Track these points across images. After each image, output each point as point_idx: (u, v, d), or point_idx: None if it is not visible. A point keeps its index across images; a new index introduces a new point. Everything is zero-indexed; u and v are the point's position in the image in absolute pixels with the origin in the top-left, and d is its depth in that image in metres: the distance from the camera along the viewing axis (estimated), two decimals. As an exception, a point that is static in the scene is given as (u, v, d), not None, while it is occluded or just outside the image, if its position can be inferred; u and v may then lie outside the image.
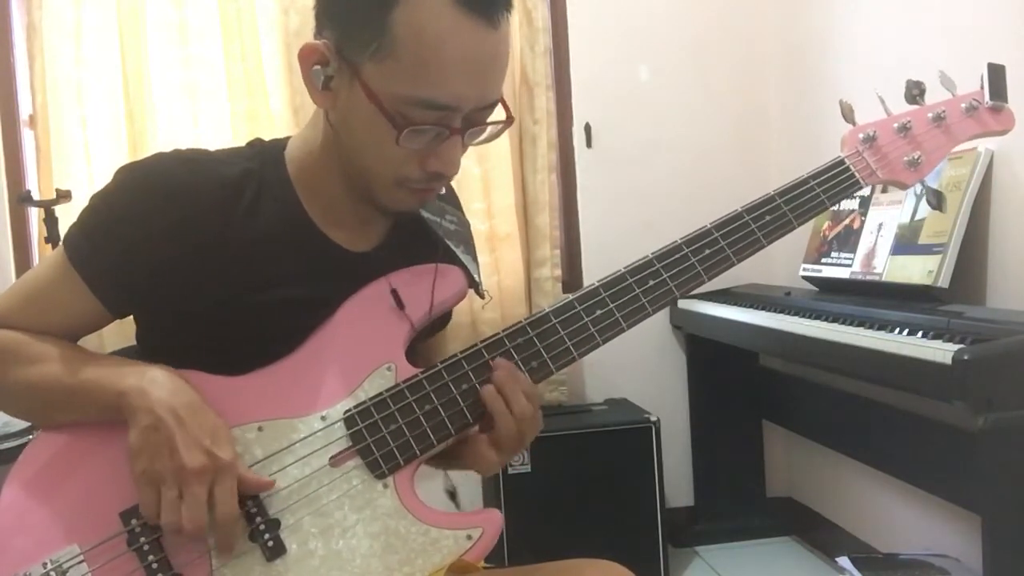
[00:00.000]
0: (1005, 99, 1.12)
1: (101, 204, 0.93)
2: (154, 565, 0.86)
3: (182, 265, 0.91)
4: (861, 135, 1.09)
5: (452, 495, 1.04)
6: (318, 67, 0.89)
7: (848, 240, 2.19)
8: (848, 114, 1.11)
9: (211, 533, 0.86)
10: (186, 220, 0.91)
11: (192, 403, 0.87)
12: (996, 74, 1.11)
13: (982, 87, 1.12)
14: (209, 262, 0.92)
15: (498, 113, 0.92)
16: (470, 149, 0.94)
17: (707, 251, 1.01)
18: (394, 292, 0.97)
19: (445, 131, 0.87)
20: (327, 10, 0.89)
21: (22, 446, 0.94)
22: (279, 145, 1.00)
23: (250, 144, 1.01)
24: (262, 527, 0.88)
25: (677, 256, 1.00)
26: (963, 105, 1.11)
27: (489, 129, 0.92)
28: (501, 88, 0.90)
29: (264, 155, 0.98)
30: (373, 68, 0.85)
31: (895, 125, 1.10)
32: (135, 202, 0.91)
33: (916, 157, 1.09)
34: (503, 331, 0.96)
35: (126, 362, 0.93)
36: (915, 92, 1.11)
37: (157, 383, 0.88)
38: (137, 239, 0.91)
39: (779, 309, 2.12)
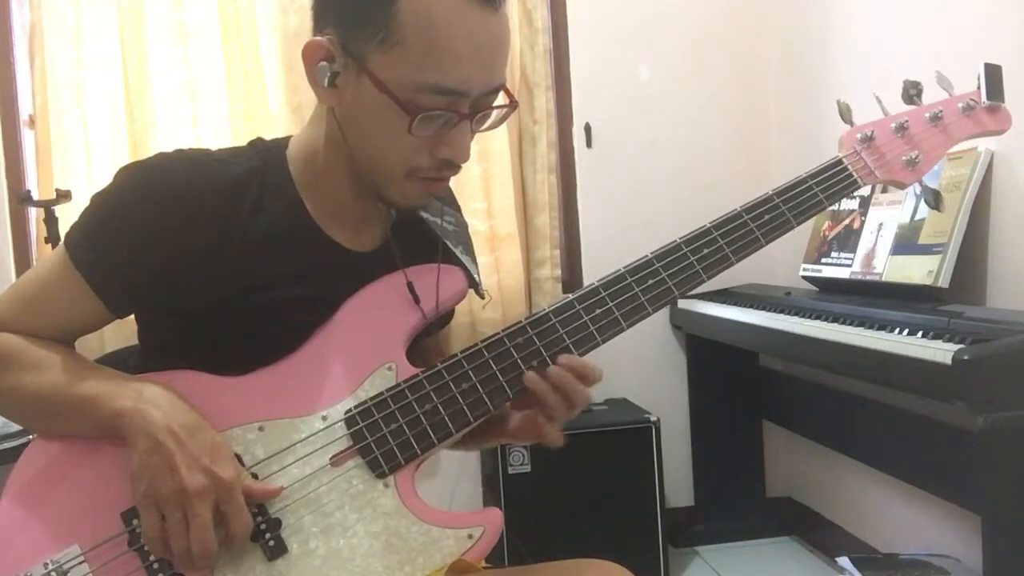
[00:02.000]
0: (1002, 99, 1.12)
1: (103, 204, 0.93)
2: (155, 565, 0.86)
3: (184, 265, 0.91)
4: (859, 135, 1.09)
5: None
6: (323, 63, 0.89)
7: (848, 240, 2.20)
8: (846, 114, 1.11)
9: (224, 550, 0.86)
10: (189, 220, 0.91)
11: (190, 423, 0.87)
12: (993, 74, 1.11)
13: (979, 87, 1.12)
14: (211, 262, 0.92)
15: (501, 100, 0.92)
16: (471, 149, 0.95)
17: (706, 250, 1.01)
18: (410, 285, 0.98)
19: (455, 117, 0.88)
20: (329, 6, 0.90)
21: (22, 446, 0.94)
22: (281, 144, 1.00)
23: (252, 144, 1.01)
24: (263, 526, 0.89)
25: (676, 256, 1.00)
26: (960, 105, 1.12)
27: (495, 114, 0.93)
28: (505, 72, 0.91)
29: (266, 155, 0.98)
30: (381, 58, 0.85)
31: (892, 125, 1.10)
32: (137, 202, 0.91)
33: (914, 157, 1.09)
34: (503, 331, 0.97)
35: (123, 378, 0.92)
36: (912, 92, 1.11)
37: (154, 403, 0.87)
38: (139, 239, 0.91)
39: (779, 309, 2.12)
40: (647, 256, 1.00)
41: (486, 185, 2.64)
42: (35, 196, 2.34)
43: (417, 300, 0.98)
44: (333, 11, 0.89)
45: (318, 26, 0.91)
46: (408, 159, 0.90)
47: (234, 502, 0.85)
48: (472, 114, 0.89)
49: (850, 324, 1.79)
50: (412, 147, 0.89)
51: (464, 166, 0.93)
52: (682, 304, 2.63)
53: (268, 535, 0.88)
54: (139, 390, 0.89)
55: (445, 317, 1.09)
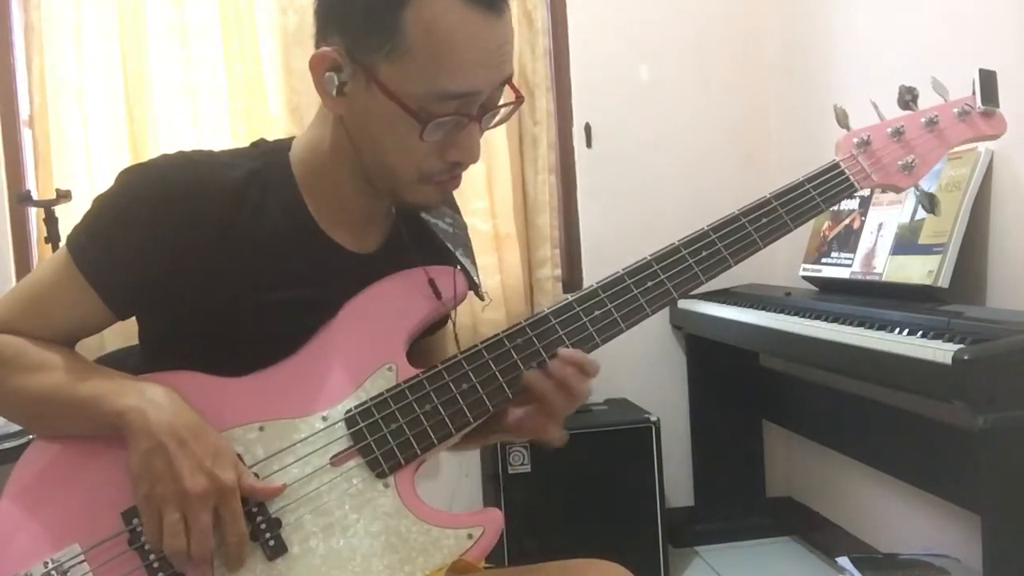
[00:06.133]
0: (996, 104, 1.12)
1: (105, 207, 0.93)
2: (155, 564, 0.87)
3: (186, 267, 0.92)
4: (855, 139, 1.10)
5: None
6: (331, 73, 0.89)
7: (848, 240, 2.20)
8: (842, 119, 1.12)
9: (219, 553, 0.86)
10: (190, 222, 0.91)
11: (192, 424, 0.87)
12: (987, 79, 1.12)
13: (974, 92, 1.13)
14: (213, 264, 0.92)
15: (507, 98, 0.94)
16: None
17: (704, 253, 1.01)
18: (431, 282, 0.99)
19: (464, 120, 0.89)
20: (333, 16, 0.90)
21: (23, 446, 0.94)
22: (283, 146, 1.00)
23: (254, 145, 1.02)
24: (263, 526, 0.89)
25: (675, 258, 1.01)
26: (955, 110, 1.12)
27: (502, 111, 0.94)
28: (512, 66, 0.92)
29: (269, 156, 0.98)
30: (389, 68, 0.86)
31: (888, 130, 1.11)
32: (139, 204, 0.91)
33: (910, 161, 1.10)
34: (503, 332, 0.97)
35: (125, 378, 0.92)
36: (908, 98, 1.12)
37: (156, 404, 0.87)
38: (142, 241, 0.91)
39: (779, 309, 2.12)
40: (646, 258, 1.01)
41: (487, 185, 2.64)
42: (35, 196, 2.35)
43: (439, 295, 0.99)
44: (338, 20, 0.89)
45: (322, 34, 0.91)
46: (419, 164, 0.91)
47: (231, 508, 0.85)
48: (480, 115, 0.90)
49: (850, 324, 1.79)
50: (423, 152, 0.90)
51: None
52: (682, 304, 2.64)
53: (268, 534, 0.89)
54: (141, 390, 0.89)
55: (442, 320, 1.10)
